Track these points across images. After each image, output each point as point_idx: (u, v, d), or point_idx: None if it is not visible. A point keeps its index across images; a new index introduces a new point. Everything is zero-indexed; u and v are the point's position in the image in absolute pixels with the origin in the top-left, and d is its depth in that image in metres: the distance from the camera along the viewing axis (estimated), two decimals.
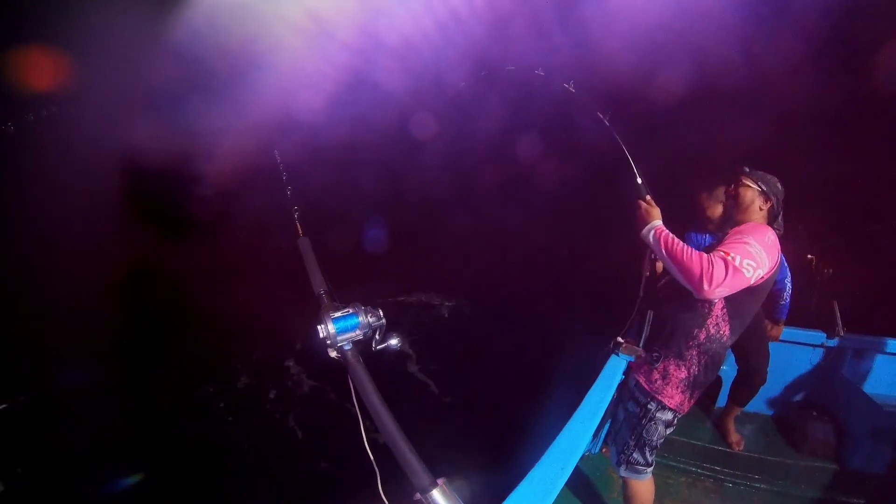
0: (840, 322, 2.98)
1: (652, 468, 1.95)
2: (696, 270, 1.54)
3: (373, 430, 1.02)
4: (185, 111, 4.98)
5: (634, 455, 1.92)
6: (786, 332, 2.98)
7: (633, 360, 1.96)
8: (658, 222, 1.76)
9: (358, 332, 1.07)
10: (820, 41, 4.81)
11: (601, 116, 2.05)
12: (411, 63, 6.80)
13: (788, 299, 2.82)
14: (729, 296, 1.63)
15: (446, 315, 6.90)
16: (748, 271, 1.54)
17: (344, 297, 1.13)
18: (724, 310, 1.73)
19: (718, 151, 5.17)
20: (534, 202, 8.82)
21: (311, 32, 5.24)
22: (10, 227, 4.98)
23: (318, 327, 1.04)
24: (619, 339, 2.01)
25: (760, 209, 1.83)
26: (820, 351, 3.20)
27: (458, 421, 4.61)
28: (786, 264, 2.72)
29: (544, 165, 8.12)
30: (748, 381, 2.89)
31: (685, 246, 1.62)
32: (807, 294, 3.07)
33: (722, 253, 1.56)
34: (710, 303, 1.72)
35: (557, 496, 2.30)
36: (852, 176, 4.78)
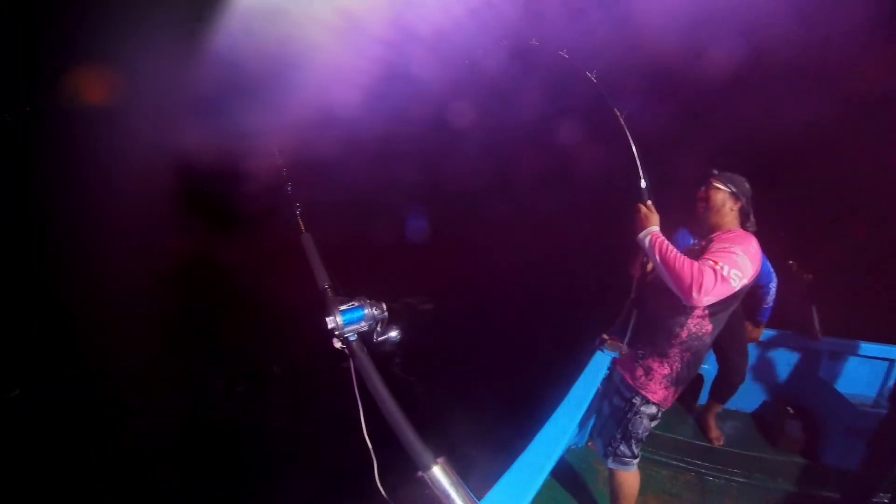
0: (818, 326, 3.18)
1: (638, 460, 2.04)
2: (687, 279, 1.64)
3: (373, 417, 1.09)
4: (229, 113, 5.30)
5: (621, 447, 2.01)
6: (766, 334, 3.20)
7: (616, 356, 2.06)
8: (655, 228, 1.86)
9: (363, 323, 1.15)
10: (891, 6, 4.35)
11: (618, 114, 2.14)
12: (445, 52, 6.82)
13: (772, 303, 2.93)
14: None
15: (443, 309, 7.01)
16: (734, 281, 1.63)
17: (353, 289, 1.22)
18: (706, 309, 1.81)
19: (770, 136, 4.83)
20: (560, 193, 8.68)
21: (343, 30, 5.39)
22: (74, 228, 5.58)
23: (327, 319, 1.12)
24: (605, 335, 2.10)
25: (731, 209, 1.93)
26: (798, 353, 3.44)
27: (452, 411, 4.73)
28: (771, 269, 2.84)
29: (575, 153, 7.91)
30: (728, 380, 3.04)
31: (678, 254, 1.72)
32: (787, 298, 3.17)
33: (711, 262, 1.65)
34: (692, 306, 1.79)
35: (544, 486, 2.43)
36: None
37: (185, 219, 6.76)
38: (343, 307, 1.13)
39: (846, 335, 3.37)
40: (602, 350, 2.14)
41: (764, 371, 3.47)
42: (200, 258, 6.57)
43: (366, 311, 1.15)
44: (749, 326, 3.08)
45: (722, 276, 1.61)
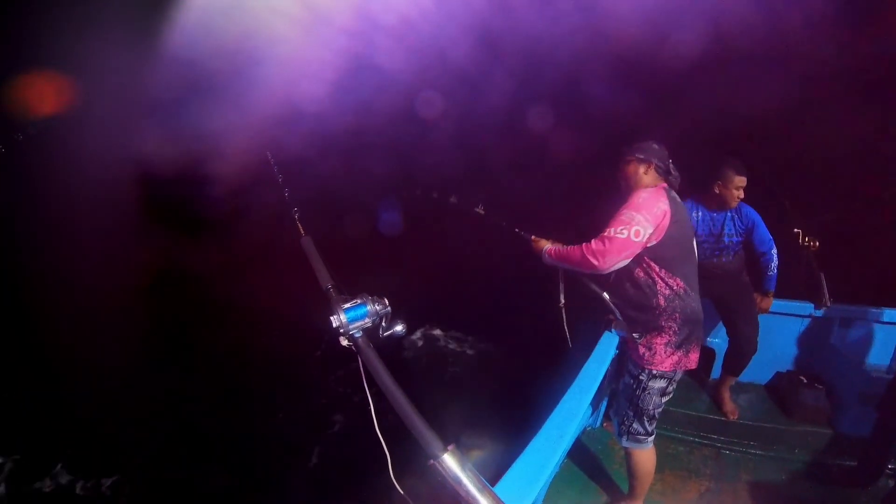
0: (827, 293, 3.19)
1: (653, 437, 2.12)
2: (579, 255, 1.89)
3: (383, 412, 1.12)
4: (190, 113, 5.17)
5: (634, 425, 2.09)
6: (775, 303, 3.17)
7: (624, 335, 2.14)
8: (546, 245, 2.16)
9: (367, 320, 1.18)
10: None
11: (479, 210, 2.60)
12: (412, 41, 6.81)
13: (776, 271, 3.01)
14: (654, 255, 1.92)
15: (450, 295, 7.09)
16: (622, 234, 1.81)
17: (350, 288, 1.26)
18: (662, 270, 1.93)
19: (736, 115, 5.06)
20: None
21: (306, 21, 5.31)
22: (34, 244, 5.34)
23: (331, 318, 1.15)
24: (610, 316, 2.19)
25: (646, 173, 2.08)
26: (808, 321, 3.46)
27: (466, 397, 4.84)
28: (770, 236, 2.94)
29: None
30: (740, 352, 3.07)
31: (566, 246, 2.01)
32: (794, 267, 3.26)
33: (601, 234, 1.88)
34: (647, 272, 1.95)
35: (562, 468, 2.48)
36: (876, 138, 4.65)
37: (150, 226, 6.55)
38: (346, 305, 1.15)
39: (855, 301, 3.39)
40: (610, 331, 2.25)
41: (775, 342, 3.48)
42: (170, 266, 6.40)
43: (369, 308, 1.18)
44: (757, 297, 3.14)
45: (607, 237, 1.82)
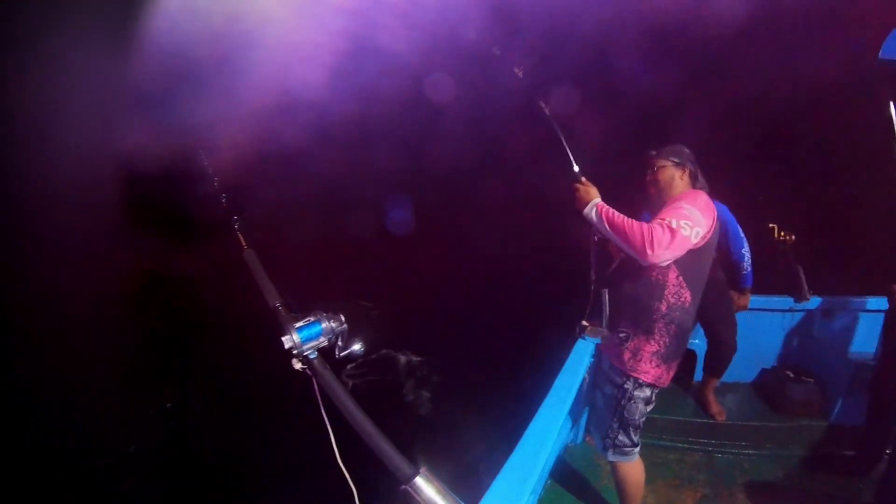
0: (806, 285, 3.44)
1: (639, 448, 2.20)
2: (638, 237, 1.83)
3: (346, 439, 1.16)
4: (177, 105, 5.33)
5: (620, 437, 2.15)
6: (754, 299, 3.41)
7: (599, 341, 2.19)
8: (598, 199, 2.07)
9: (322, 339, 1.22)
10: None
11: (542, 105, 2.36)
12: (418, 18, 6.84)
13: (750, 268, 3.22)
14: (679, 262, 1.93)
15: (412, 309, 7.13)
16: (685, 230, 1.82)
17: (304, 303, 1.31)
18: (679, 277, 1.99)
19: (782, 89, 4.95)
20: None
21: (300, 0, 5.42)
22: (9, 250, 5.60)
23: (284, 339, 1.18)
24: (584, 322, 2.21)
25: (682, 178, 2.16)
26: (790, 315, 3.71)
27: (436, 416, 4.87)
28: (742, 234, 3.12)
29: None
30: (719, 352, 3.29)
31: (625, 217, 1.92)
32: (771, 261, 3.50)
33: (659, 220, 1.85)
34: (664, 274, 1.98)
35: (546, 489, 2.54)
36: None
37: (136, 229, 6.80)
38: (298, 324, 1.18)
39: (835, 292, 3.62)
40: (583, 338, 2.25)
41: (758, 338, 3.68)
42: (155, 273, 6.63)
43: (323, 325, 1.21)
44: (735, 295, 3.34)
45: (670, 227, 1.80)
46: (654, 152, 2.24)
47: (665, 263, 1.91)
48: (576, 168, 2.20)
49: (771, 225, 3.51)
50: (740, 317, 3.33)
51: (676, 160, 2.17)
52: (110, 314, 5.81)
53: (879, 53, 1.90)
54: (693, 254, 1.95)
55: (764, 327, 3.73)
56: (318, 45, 6.07)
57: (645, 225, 1.83)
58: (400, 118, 9.22)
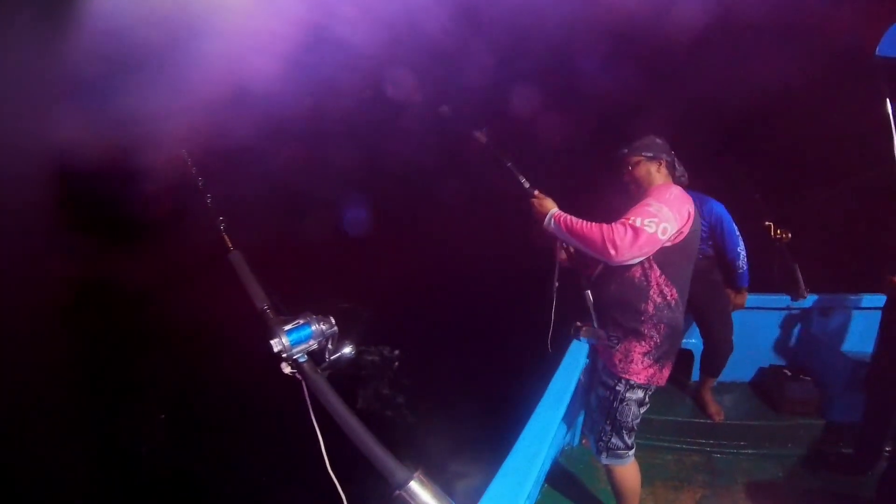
0: (803, 283, 3.49)
1: (633, 451, 2.22)
2: (598, 239, 1.87)
3: (336, 444, 1.13)
4: (117, 94, 4.99)
5: (613, 440, 2.17)
6: (751, 298, 3.47)
7: (595, 342, 2.22)
8: (554, 209, 2.13)
9: (312, 341, 1.19)
10: None
11: (478, 135, 2.50)
12: (380, 11, 6.75)
13: (745, 267, 3.28)
14: (659, 260, 1.97)
15: (407, 304, 7.10)
16: (650, 227, 1.84)
17: (291, 305, 1.25)
18: (662, 276, 2.01)
19: (742, 93, 5.20)
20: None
21: None
22: None
23: (272, 342, 1.15)
24: (578, 323, 2.27)
25: (658, 171, 2.18)
26: (787, 314, 3.80)
27: (430, 418, 4.84)
28: (738, 233, 3.20)
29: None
30: (716, 352, 3.35)
31: (584, 221, 1.98)
32: (768, 260, 3.58)
33: (623, 219, 1.89)
34: (646, 274, 2.01)
35: (542, 494, 2.56)
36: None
37: (72, 232, 6.29)
38: (287, 327, 1.16)
39: (832, 290, 3.70)
40: (578, 338, 2.30)
41: (755, 337, 3.75)
42: (97, 280, 6.18)
43: (313, 328, 1.19)
44: (731, 294, 3.40)
45: (633, 226, 1.84)
46: (625, 150, 2.27)
47: (634, 262, 1.94)
48: (526, 185, 2.29)
49: (767, 223, 3.64)
50: (737, 316, 3.39)
51: (649, 154, 2.19)
52: (40, 324, 5.36)
53: (876, 51, 1.99)
54: (672, 250, 1.97)
55: (761, 326, 3.79)
56: (274, 34, 5.84)
57: (605, 226, 1.87)
58: (359, 114, 9.06)
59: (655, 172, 2.18)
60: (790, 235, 3.55)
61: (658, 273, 2.00)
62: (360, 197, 9.85)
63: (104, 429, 4.94)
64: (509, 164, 2.39)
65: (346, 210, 9.92)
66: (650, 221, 1.84)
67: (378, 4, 6.46)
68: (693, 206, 2.03)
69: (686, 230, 1.97)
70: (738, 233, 3.21)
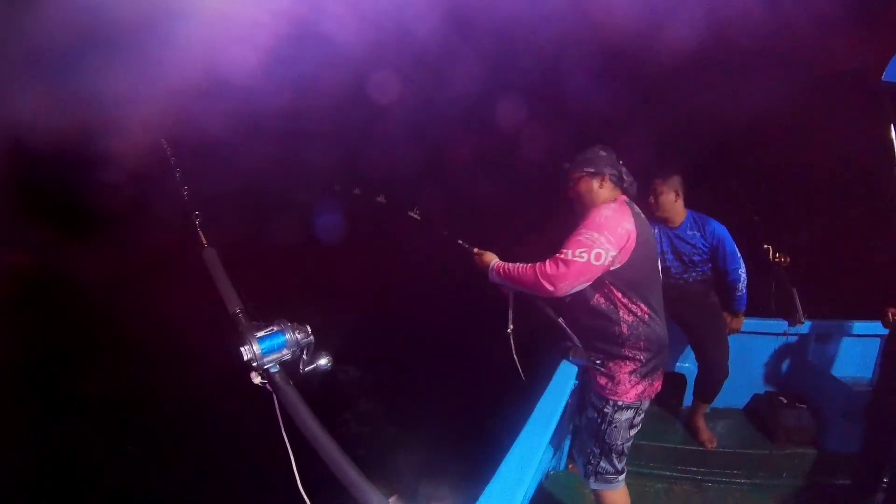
0: (800, 309, 3.49)
1: (623, 476, 2.20)
2: (532, 278, 1.97)
3: (309, 462, 1.07)
4: (83, 73, 4.78)
5: (602, 464, 2.14)
6: (747, 322, 3.46)
7: (584, 363, 2.23)
8: (495, 261, 2.25)
9: (285, 351, 1.14)
10: None
11: (413, 214, 2.70)
12: (368, 9, 6.72)
13: (745, 290, 3.28)
14: (615, 280, 2.00)
15: (388, 317, 7.04)
16: (581, 257, 1.89)
17: (265, 311, 1.19)
18: (625, 297, 2.03)
19: (731, 115, 5.35)
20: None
21: None
22: None
23: (242, 349, 1.10)
24: (568, 343, 2.28)
25: (601, 187, 2.17)
26: (783, 339, 3.78)
27: (409, 439, 4.76)
28: (738, 254, 3.20)
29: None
30: (710, 377, 3.30)
31: (518, 265, 2.08)
32: (765, 284, 3.59)
33: (555, 256, 1.95)
34: (607, 296, 2.04)
35: None
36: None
37: (20, 220, 5.97)
38: (260, 334, 1.11)
39: (830, 316, 3.71)
40: (568, 359, 2.30)
41: (750, 363, 3.74)
42: (46, 272, 5.89)
43: (287, 337, 1.15)
44: (727, 318, 3.39)
45: (563, 260, 1.90)
46: (567, 165, 2.26)
47: (575, 290, 1.96)
48: (466, 246, 2.45)
49: (766, 246, 3.67)
50: (732, 340, 3.36)
51: (591, 170, 2.17)
52: None
53: (883, 76, 2.04)
54: (625, 270, 2.00)
55: (756, 351, 3.78)
56: (256, 22, 5.74)
57: (539, 265, 1.96)
58: (339, 116, 8.98)
59: (598, 189, 2.16)
60: (789, 259, 3.58)
61: (620, 295, 2.02)
62: (335, 201, 9.72)
63: (43, 439, 4.65)
64: (446, 234, 2.57)
65: (320, 215, 9.79)
66: (581, 251, 1.89)
67: (366, 3, 6.42)
68: (633, 218, 2.04)
69: (630, 246, 1.98)
70: (739, 255, 3.22)
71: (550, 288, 1.90)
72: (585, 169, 2.17)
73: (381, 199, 2.83)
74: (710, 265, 3.25)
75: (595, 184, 2.15)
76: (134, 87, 5.04)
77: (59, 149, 5.05)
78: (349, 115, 9.05)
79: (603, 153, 2.19)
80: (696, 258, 3.19)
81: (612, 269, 1.96)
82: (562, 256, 1.91)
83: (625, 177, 2.20)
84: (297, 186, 9.23)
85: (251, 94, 6.87)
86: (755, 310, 3.51)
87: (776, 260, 3.60)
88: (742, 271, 3.24)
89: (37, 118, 4.72)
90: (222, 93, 6.61)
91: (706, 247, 3.17)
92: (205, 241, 1.57)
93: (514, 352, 2.36)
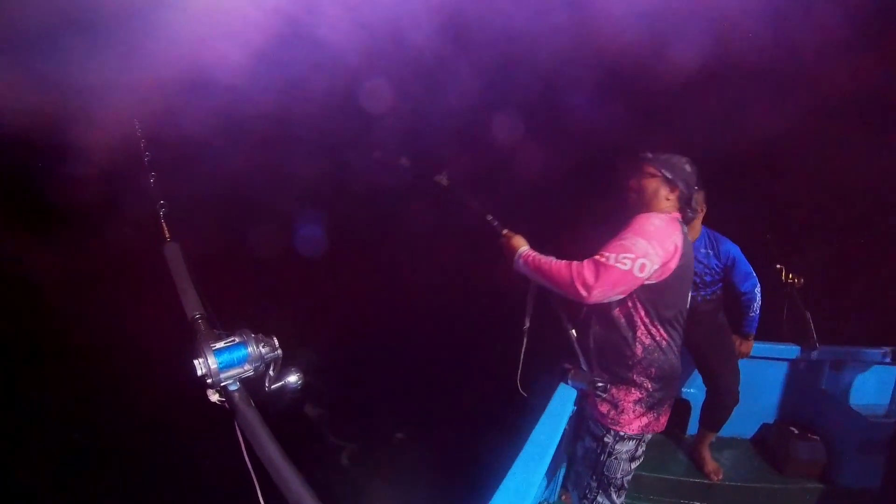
0: (814, 333, 3.42)
1: None
2: (567, 278, 1.83)
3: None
4: (58, 57, 4.67)
5: (599, 498, 2.07)
6: (757, 347, 3.39)
7: (585, 387, 2.13)
8: (524, 248, 2.12)
9: (247, 366, 1.05)
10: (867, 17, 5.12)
11: (439, 179, 2.57)
12: (365, 14, 6.73)
13: (758, 311, 3.24)
14: (643, 298, 1.91)
15: (361, 338, 6.91)
16: (624, 264, 1.77)
17: (230, 319, 1.08)
18: (647, 316, 1.94)
19: (735, 137, 5.42)
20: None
21: None
22: None
23: (196, 362, 1.01)
24: (567, 365, 2.20)
25: (667, 199, 2.08)
26: (795, 365, 3.70)
27: (388, 467, 4.61)
28: (752, 274, 3.16)
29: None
30: (719, 404, 3.20)
31: (552, 259, 1.95)
32: (777, 306, 3.54)
33: (596, 256, 1.83)
34: (630, 314, 1.95)
35: None
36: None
37: None
38: (218, 345, 1.01)
39: (846, 342, 3.61)
40: (567, 382, 2.20)
41: (759, 389, 3.63)
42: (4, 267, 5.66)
43: (250, 350, 1.05)
44: (737, 340, 3.30)
45: (605, 265, 1.78)
46: (649, 155, 2.15)
47: (609, 300, 1.87)
48: (494, 223, 2.31)
49: (778, 266, 3.63)
50: (741, 365, 3.27)
51: (670, 176, 2.08)
52: None
53: None
54: (658, 287, 1.92)
55: (766, 377, 3.68)
56: (246, 19, 5.69)
57: (575, 264, 1.84)
58: (327, 123, 8.95)
59: (664, 196, 2.08)
60: (802, 281, 3.51)
61: (643, 313, 1.94)
62: (319, 212, 9.66)
63: None
64: (475, 204, 2.41)
65: (303, 225, 9.70)
66: (624, 257, 1.77)
67: (363, 7, 6.43)
68: (682, 236, 1.97)
69: (673, 264, 1.90)
70: (754, 273, 3.17)
71: (584, 293, 1.77)
72: (664, 171, 2.07)
73: (404, 161, 2.78)
74: (720, 285, 3.23)
75: (664, 190, 2.06)
76: (110, 75, 4.92)
77: (21, 136, 4.90)
78: (338, 124, 9.02)
79: (688, 168, 2.11)
80: (707, 278, 3.17)
81: (647, 283, 1.88)
82: (602, 260, 1.79)
83: (693, 203, 2.14)
84: (279, 193, 9.15)
85: (236, 93, 6.80)
86: (766, 333, 3.46)
87: (789, 281, 3.56)
88: (758, 290, 3.18)
89: (2, 102, 4.57)
90: (205, 90, 6.53)
91: (719, 267, 3.16)
92: (168, 235, 1.47)
93: (522, 354, 2.24)
